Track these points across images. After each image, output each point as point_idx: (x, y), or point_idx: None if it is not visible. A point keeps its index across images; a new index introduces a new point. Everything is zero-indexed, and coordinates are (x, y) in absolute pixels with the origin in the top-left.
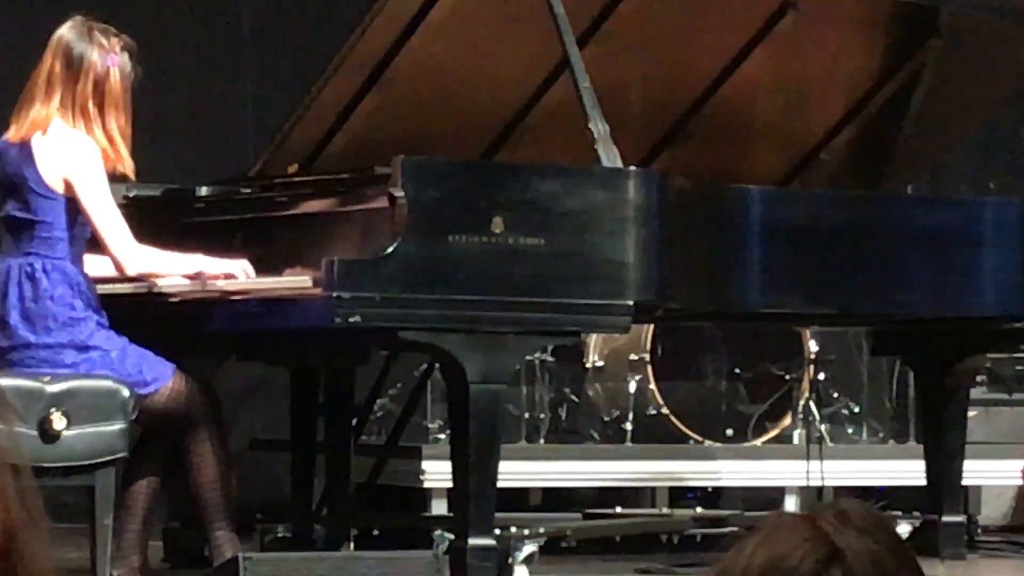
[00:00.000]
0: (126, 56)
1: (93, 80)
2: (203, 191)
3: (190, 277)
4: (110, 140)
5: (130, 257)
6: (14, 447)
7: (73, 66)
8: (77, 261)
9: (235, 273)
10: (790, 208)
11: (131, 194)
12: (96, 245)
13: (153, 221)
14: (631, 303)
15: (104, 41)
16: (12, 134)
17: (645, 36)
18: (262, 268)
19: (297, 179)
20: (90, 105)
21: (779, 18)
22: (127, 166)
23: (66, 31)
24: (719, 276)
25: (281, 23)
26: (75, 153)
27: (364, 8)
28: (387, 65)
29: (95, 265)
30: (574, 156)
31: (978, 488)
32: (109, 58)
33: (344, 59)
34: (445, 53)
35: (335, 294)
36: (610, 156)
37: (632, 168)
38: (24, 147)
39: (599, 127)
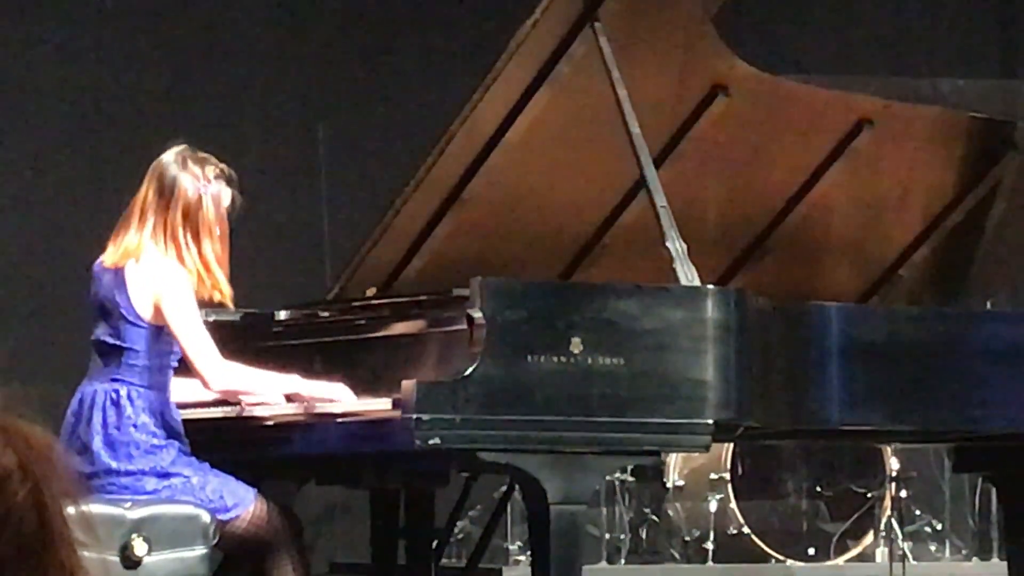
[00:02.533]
0: (221, 184)
1: (183, 207)
2: (282, 315)
3: (287, 397)
4: (205, 266)
5: (215, 374)
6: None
7: (165, 194)
8: (163, 389)
9: (341, 399)
10: (869, 325)
11: (210, 319)
12: (184, 370)
13: (232, 346)
14: (711, 422)
15: (197, 170)
16: (107, 258)
17: (721, 155)
18: None
19: (375, 302)
20: (180, 232)
21: (855, 136)
22: (225, 292)
23: (163, 158)
24: (799, 393)
25: (358, 146)
26: (164, 278)
27: (440, 129)
28: (464, 186)
29: (181, 389)
30: (651, 275)
31: None
32: (200, 186)
33: (421, 181)
34: (522, 174)
35: (415, 416)
36: (688, 275)
37: (710, 286)
38: (118, 274)
39: (676, 246)
